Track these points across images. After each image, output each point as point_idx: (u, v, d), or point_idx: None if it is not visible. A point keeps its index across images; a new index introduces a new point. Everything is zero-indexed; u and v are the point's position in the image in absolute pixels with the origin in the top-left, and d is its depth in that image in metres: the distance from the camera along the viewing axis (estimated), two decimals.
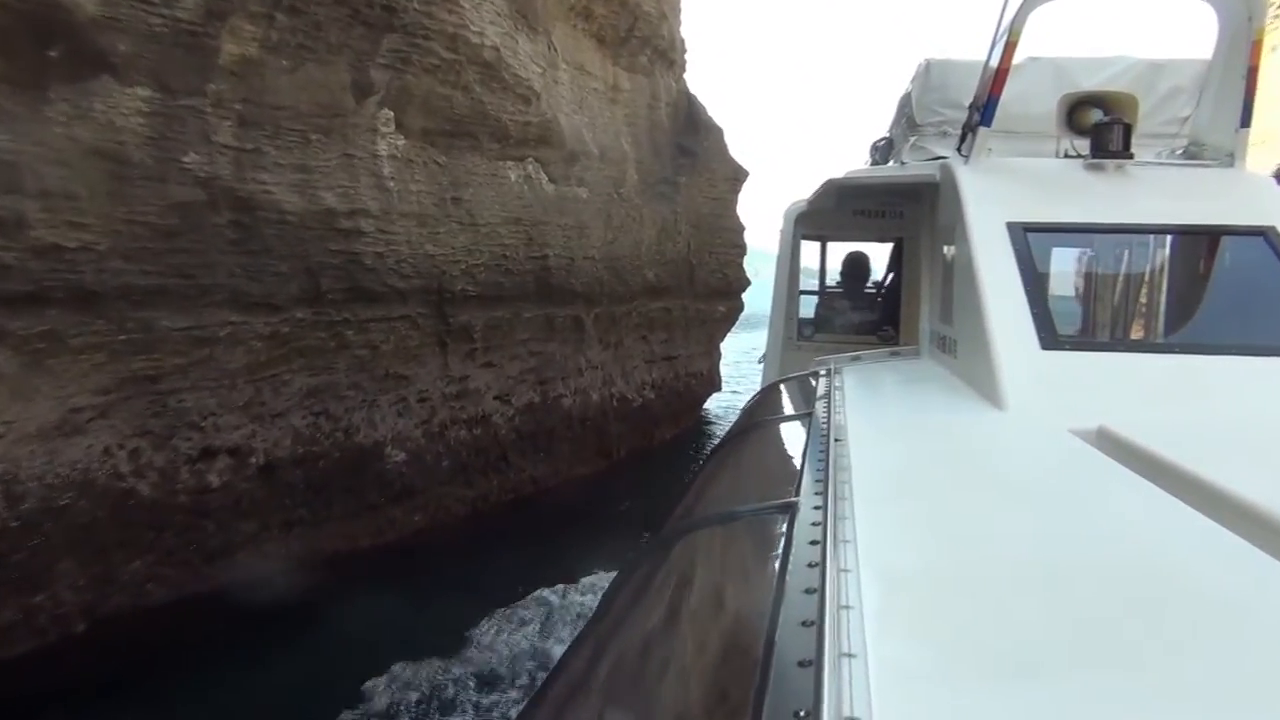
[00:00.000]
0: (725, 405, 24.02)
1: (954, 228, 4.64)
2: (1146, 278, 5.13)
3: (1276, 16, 25.69)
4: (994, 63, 4.71)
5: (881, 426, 3.63)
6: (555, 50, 15.95)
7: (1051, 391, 3.54)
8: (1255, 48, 4.58)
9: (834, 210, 7.40)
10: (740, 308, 23.63)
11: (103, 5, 8.57)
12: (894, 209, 7.25)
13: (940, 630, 1.56)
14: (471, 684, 9.35)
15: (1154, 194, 4.54)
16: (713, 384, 23.26)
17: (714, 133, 21.86)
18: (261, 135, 10.34)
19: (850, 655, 1.38)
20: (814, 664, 1.36)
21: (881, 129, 8.00)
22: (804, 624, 1.50)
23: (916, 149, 6.63)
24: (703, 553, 2.50)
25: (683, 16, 22.32)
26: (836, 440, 2.92)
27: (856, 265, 8.55)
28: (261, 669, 9.02)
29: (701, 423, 22.75)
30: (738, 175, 22.21)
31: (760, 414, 4.91)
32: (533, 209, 14.75)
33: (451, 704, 9.01)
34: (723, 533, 2.53)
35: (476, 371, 14.01)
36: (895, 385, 4.91)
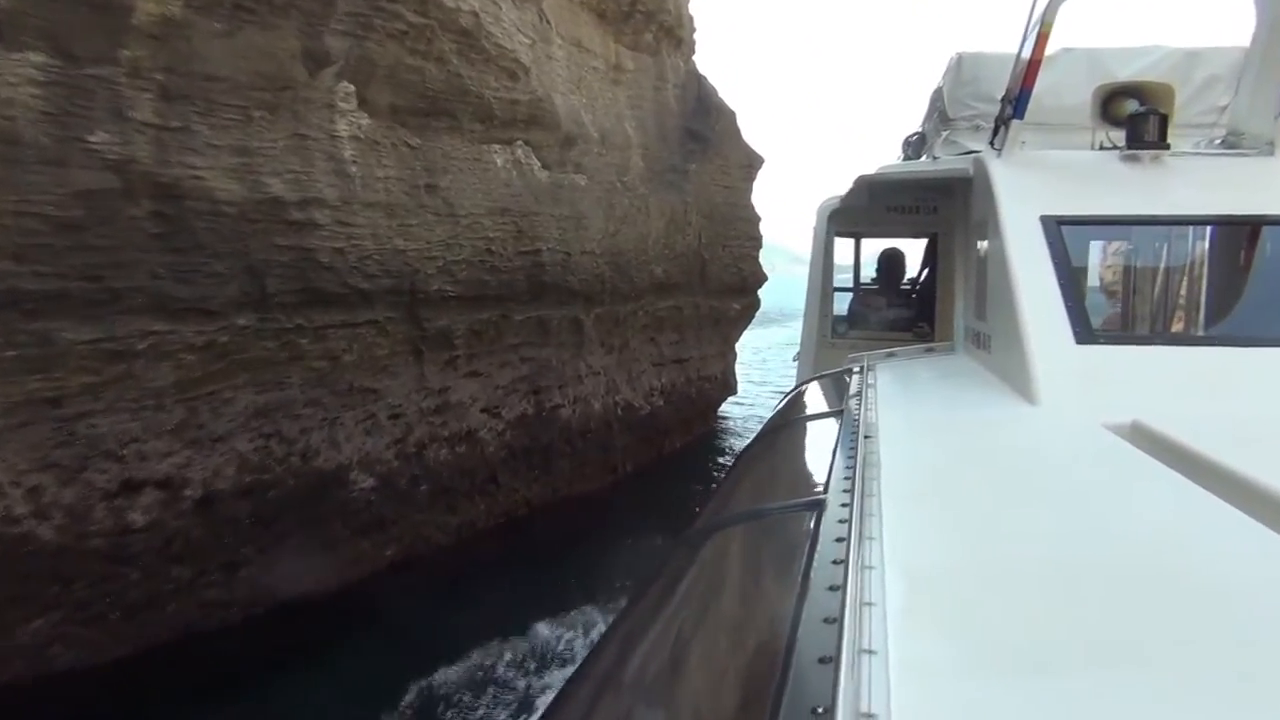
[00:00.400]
0: (742, 410, 22.37)
1: (987, 222, 4.59)
2: (1184, 270, 5.01)
3: None
4: (1026, 54, 4.64)
5: (913, 423, 3.61)
6: (548, 23, 14.32)
7: (1086, 386, 3.51)
8: None
9: (867, 207, 7.32)
10: (756, 305, 21.95)
11: None
12: (928, 204, 7.11)
13: (962, 627, 1.57)
14: None
15: (1191, 184, 4.48)
16: (728, 387, 21.61)
17: (726, 116, 20.19)
18: (191, 111, 8.75)
19: (870, 651, 1.40)
20: (833, 660, 1.38)
21: (914, 124, 8.03)
22: (826, 621, 1.52)
23: (949, 143, 6.60)
24: (730, 550, 2.55)
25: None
26: (867, 437, 2.94)
27: (891, 262, 8.50)
28: None
29: (716, 430, 21.12)
30: (752, 162, 20.52)
31: (792, 412, 4.88)
32: (522, 198, 13.11)
33: None
34: (751, 530, 2.58)
35: (459, 382, 12.41)
36: (929, 382, 4.84)
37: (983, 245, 4.87)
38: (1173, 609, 1.59)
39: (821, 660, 1.38)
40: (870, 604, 1.54)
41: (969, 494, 2.47)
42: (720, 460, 18.16)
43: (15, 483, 7.72)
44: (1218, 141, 5.07)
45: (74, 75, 7.85)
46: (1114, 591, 1.66)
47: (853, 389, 4.23)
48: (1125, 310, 5.48)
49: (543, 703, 8.46)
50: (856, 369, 4.92)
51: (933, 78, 7.35)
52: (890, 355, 5.57)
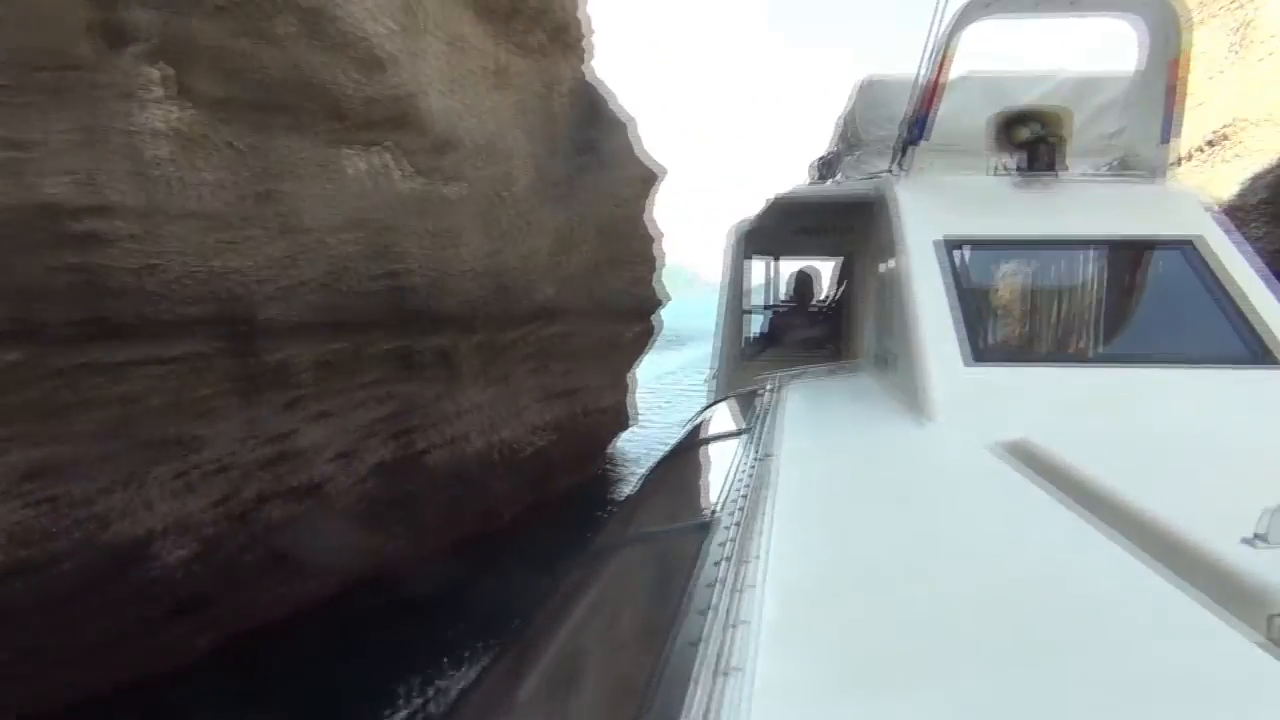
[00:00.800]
0: (640, 443, 20.82)
1: (890, 243, 4.69)
2: (1077, 291, 5.09)
3: (1201, 23, 24.16)
4: (926, 80, 4.79)
5: (813, 442, 3.65)
6: (421, 13, 12.57)
7: (977, 405, 3.58)
8: (1174, 66, 4.69)
9: (780, 227, 7.35)
10: (654, 330, 20.44)
11: None
12: (839, 225, 7.07)
13: (831, 645, 1.60)
14: None
15: (1083, 207, 4.69)
16: (623, 420, 20.02)
17: (620, 127, 18.68)
18: None
19: (732, 672, 1.44)
20: (694, 681, 1.42)
21: (822, 147, 8.11)
22: (692, 643, 1.57)
23: (858, 166, 6.70)
24: (621, 573, 2.58)
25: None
26: (766, 457, 3.02)
27: (804, 282, 8.65)
28: None
29: (611, 467, 19.50)
30: (649, 176, 19.04)
31: (699, 432, 4.96)
32: (384, 210, 11.30)
33: None
34: (643, 552, 2.66)
35: (304, 426, 10.51)
36: (833, 401, 4.89)
37: (886, 265, 4.95)
38: (1035, 626, 1.63)
39: (683, 682, 1.42)
40: (740, 624, 1.59)
41: (855, 512, 2.51)
42: (614, 499, 16.57)
43: None
44: (1110, 166, 5.21)
45: None
46: (980, 609, 1.70)
47: (758, 409, 4.31)
48: (1019, 330, 5.58)
49: None
50: (765, 389, 4.97)
51: (841, 101, 7.52)
52: (800, 375, 5.56)
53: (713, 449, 4.13)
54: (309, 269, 10.13)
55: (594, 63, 19.33)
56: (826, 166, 7.78)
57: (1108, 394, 3.70)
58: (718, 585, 1.78)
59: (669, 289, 20.97)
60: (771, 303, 8.93)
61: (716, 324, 8.12)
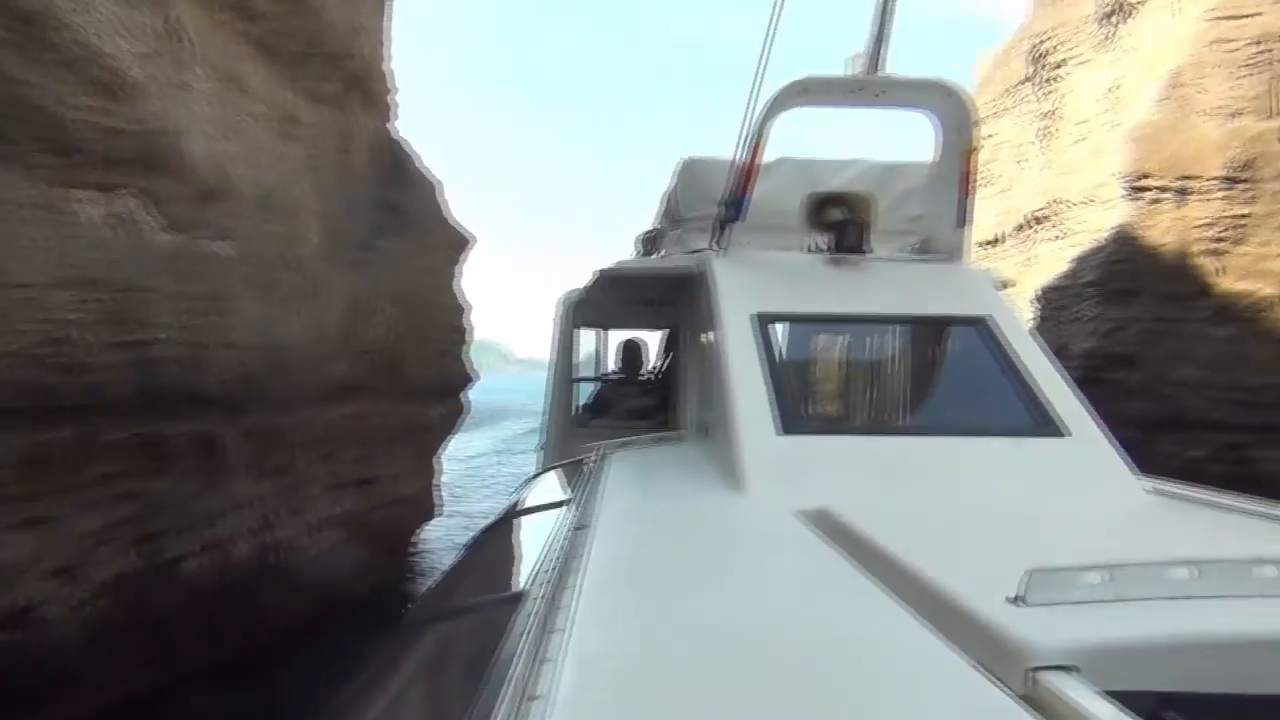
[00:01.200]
0: (445, 535, 18.86)
1: (709, 317, 4.88)
2: (882, 365, 5.32)
3: (1006, 111, 25.21)
4: (742, 162, 4.97)
5: (631, 512, 3.69)
6: (186, 42, 10.70)
7: (788, 474, 3.74)
8: (966, 157, 5.01)
9: (608, 299, 7.45)
10: (462, 409, 18.67)
11: None
12: (664, 298, 7.17)
13: (626, 718, 1.63)
14: None
15: (886, 287, 4.94)
16: (428, 509, 18.05)
17: (427, 188, 17.14)
18: None
19: None
20: None
21: (647, 222, 8.39)
22: (486, 719, 1.62)
23: (680, 241, 6.95)
24: (428, 648, 2.63)
25: (393, 50, 17.71)
26: (582, 527, 3.05)
27: (632, 352, 8.79)
28: None
29: (416, 561, 17.47)
30: (457, 242, 17.49)
31: (522, 502, 4.99)
32: (126, 267, 9.26)
33: None
34: (452, 627, 2.69)
35: (9, 536, 8.24)
36: (654, 470, 4.91)
37: (706, 339, 5.12)
38: (819, 686, 1.71)
39: None
40: (536, 698, 1.61)
41: (662, 582, 2.54)
42: (414, 600, 14.58)
43: None
44: (912, 248, 5.50)
45: None
46: (769, 677, 1.76)
47: (582, 478, 4.44)
48: (828, 402, 5.78)
49: None
50: (590, 459, 5.07)
51: (665, 178, 7.74)
52: (625, 445, 5.61)
53: (534, 519, 4.19)
54: (17, 336, 7.99)
55: (398, 123, 17.81)
56: (651, 241, 7.93)
57: (907, 462, 3.91)
58: (517, 659, 1.81)
59: (480, 365, 19.33)
60: (600, 373, 9.10)
61: (545, 394, 8.15)
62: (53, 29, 7.95)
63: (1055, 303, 17.20)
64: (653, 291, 7.21)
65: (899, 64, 4.98)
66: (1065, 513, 3.47)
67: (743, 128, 4.95)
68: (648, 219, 8.62)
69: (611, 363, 9.18)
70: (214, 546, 10.91)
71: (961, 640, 1.86)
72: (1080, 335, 15.85)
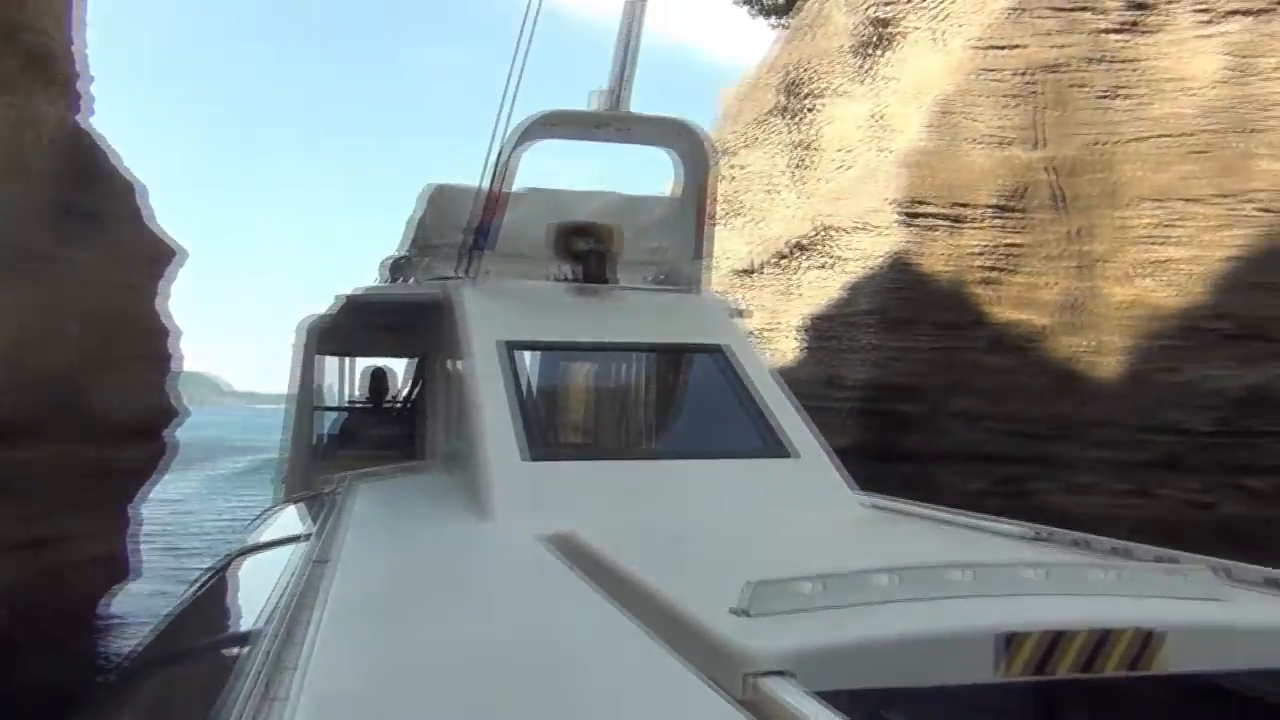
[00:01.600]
0: (146, 599, 16.06)
1: (456, 345, 4.95)
2: (626, 391, 5.57)
3: (756, 141, 25.60)
4: (489, 191, 5.10)
5: (374, 545, 3.68)
6: None
7: (534, 500, 3.85)
8: (702, 192, 5.28)
9: (354, 326, 7.21)
10: (165, 450, 15.99)
11: None
12: (412, 325, 6.96)
13: None
14: None
15: (630, 315, 5.23)
16: (119, 570, 15.28)
17: (124, 192, 14.63)
18: None
19: None
20: None
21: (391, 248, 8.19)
22: None
23: (428, 269, 6.91)
24: (145, 698, 2.57)
25: (90, 36, 15.18)
26: (321, 561, 3.00)
27: (378, 380, 8.78)
28: None
29: (101, 635, 14.68)
30: (162, 255, 15.01)
31: (255, 537, 5.04)
32: None
33: None
34: (172, 673, 2.63)
35: None
36: (401, 501, 4.92)
37: (454, 366, 5.18)
38: (556, 703, 1.77)
39: None
40: None
41: (405, 614, 2.54)
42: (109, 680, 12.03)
43: None
44: (656, 278, 5.78)
45: None
46: (504, 702, 1.81)
47: (323, 511, 4.28)
48: (574, 429, 6.08)
49: None
50: (332, 490, 4.90)
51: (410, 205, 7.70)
52: (370, 475, 5.47)
53: (269, 555, 4.06)
54: None
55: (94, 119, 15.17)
56: (398, 268, 7.73)
57: (649, 485, 4.10)
58: (247, 699, 1.72)
59: (191, 399, 16.77)
60: (345, 402, 8.94)
61: (285, 423, 7.88)
62: None
63: (826, 332, 17.05)
64: (400, 318, 7.06)
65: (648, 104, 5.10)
66: (791, 528, 3.71)
67: (489, 157, 5.03)
68: (393, 245, 8.56)
69: (357, 391, 8.98)
70: None
71: (689, 652, 1.99)
72: (856, 365, 15.69)
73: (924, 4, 17.05)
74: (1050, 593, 2.28)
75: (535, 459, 4.07)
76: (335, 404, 8.83)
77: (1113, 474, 13.78)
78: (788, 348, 19.23)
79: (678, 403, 5.33)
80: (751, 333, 21.94)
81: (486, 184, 5.15)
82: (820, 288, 17.83)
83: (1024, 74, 15.79)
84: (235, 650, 2.23)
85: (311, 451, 7.91)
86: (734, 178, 26.86)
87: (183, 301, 16.29)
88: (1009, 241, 15.06)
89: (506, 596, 2.75)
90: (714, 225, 5.48)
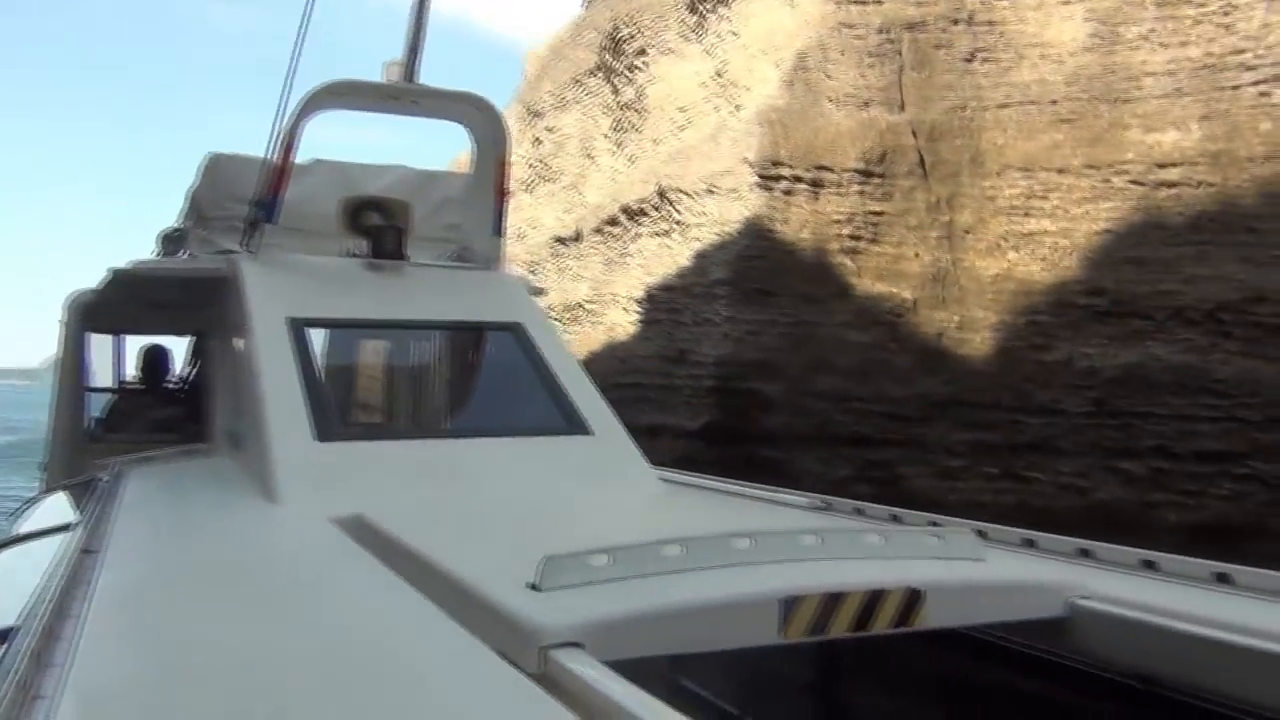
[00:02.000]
0: None
1: (240, 322, 4.79)
2: (420, 370, 5.58)
3: (575, 102, 23.88)
4: (274, 162, 4.91)
5: (150, 531, 3.60)
6: None
7: (324, 483, 3.72)
8: (499, 169, 5.26)
9: (126, 302, 6.83)
10: None
11: None
12: (191, 301, 6.49)
13: None
14: None
15: (425, 293, 5.04)
16: None
17: None
18: None
19: None
20: None
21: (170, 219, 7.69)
22: None
23: (207, 242, 6.55)
24: None
25: None
26: (90, 551, 2.93)
27: (154, 359, 8.22)
28: None
29: None
30: None
31: (16, 529, 4.86)
32: None
33: None
34: None
35: None
36: (180, 486, 4.86)
37: (237, 344, 4.98)
38: (349, 686, 1.73)
39: None
40: None
41: (181, 604, 2.43)
42: None
43: None
44: (452, 255, 5.55)
45: None
46: (289, 691, 1.74)
47: (93, 499, 4.23)
48: (367, 408, 5.96)
49: None
50: (103, 477, 4.82)
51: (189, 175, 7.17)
52: (147, 459, 5.36)
53: (30, 547, 3.97)
54: None
55: None
56: (175, 240, 7.21)
57: (445, 465, 3.99)
58: (2, 699, 1.62)
59: None
60: (119, 382, 8.50)
61: (51, 406, 7.57)
62: None
63: (670, 304, 15.43)
64: (177, 294, 6.71)
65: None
66: (588, 503, 3.83)
67: (274, 127, 4.89)
68: (172, 216, 7.82)
69: (131, 371, 8.44)
70: None
71: (484, 628, 1.97)
72: (707, 340, 14.14)
73: None
74: (827, 557, 2.40)
75: (325, 439, 3.94)
76: (107, 385, 8.19)
77: (983, 457, 13.03)
78: (621, 320, 17.57)
79: (473, 381, 5.31)
80: (580, 305, 20.47)
81: (271, 155, 4.98)
82: (660, 256, 16.23)
83: (884, 31, 14.82)
84: None
85: (81, 436, 7.45)
86: (543, 141, 25.04)
87: None
88: (871, 209, 14.05)
89: (292, 581, 2.63)
90: (510, 201, 5.47)
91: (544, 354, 4.65)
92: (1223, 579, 2.55)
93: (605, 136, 21.40)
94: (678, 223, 15.89)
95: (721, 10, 17.15)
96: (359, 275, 5.04)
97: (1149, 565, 2.72)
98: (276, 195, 4.91)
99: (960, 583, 2.41)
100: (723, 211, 14.62)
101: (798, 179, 14.11)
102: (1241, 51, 12.77)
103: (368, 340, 5.86)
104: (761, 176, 14.09)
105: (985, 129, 14.12)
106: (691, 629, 2.10)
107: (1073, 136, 13.50)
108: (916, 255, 13.93)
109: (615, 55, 20.72)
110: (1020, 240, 13.56)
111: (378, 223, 5.23)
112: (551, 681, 1.74)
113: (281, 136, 4.85)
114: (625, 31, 19.90)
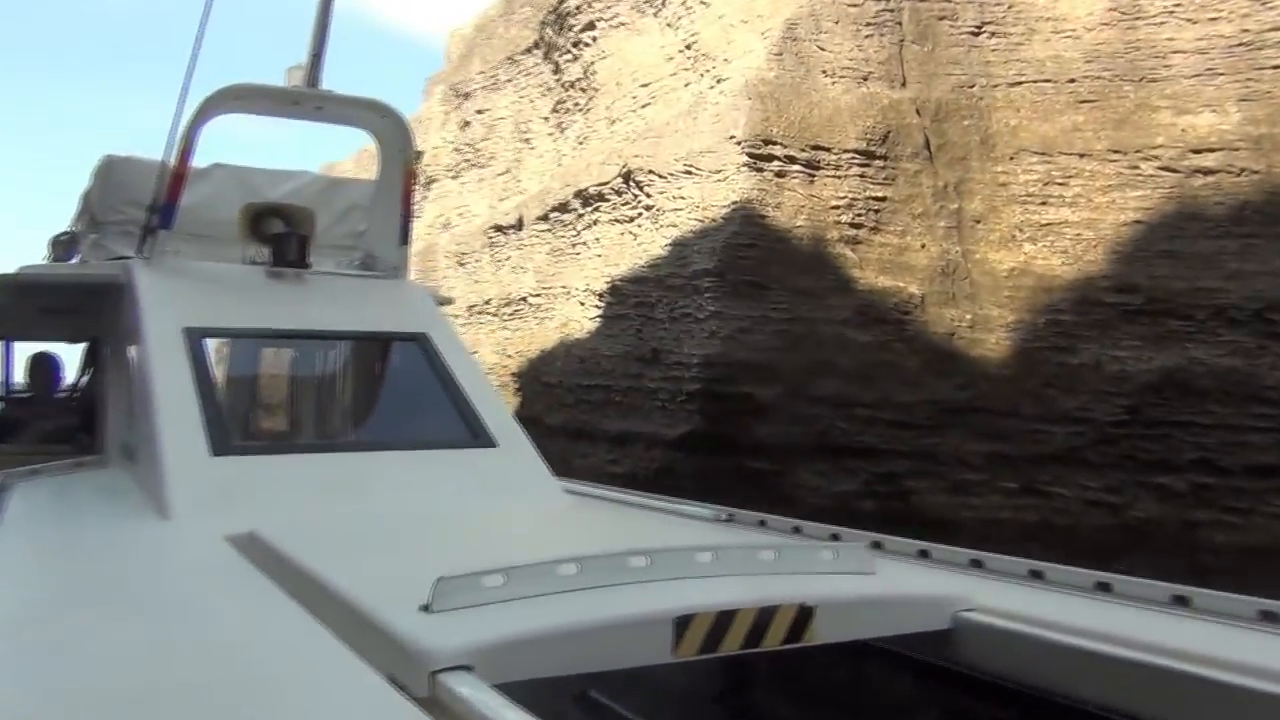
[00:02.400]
0: None
1: (133, 330, 4.69)
2: (323, 381, 5.43)
3: (485, 88, 22.08)
4: (170, 166, 4.82)
5: (33, 548, 3.49)
6: None
7: (219, 499, 3.64)
8: (406, 176, 5.24)
9: (12, 307, 6.55)
10: None
11: None
12: (83, 308, 6.34)
13: None
14: None
15: (328, 302, 4.93)
16: None
17: None
18: None
19: None
20: None
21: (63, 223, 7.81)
22: None
23: (100, 247, 6.38)
24: None
25: None
26: None
27: (43, 366, 8.15)
28: None
29: None
30: None
31: None
32: None
33: None
34: None
35: None
36: (69, 500, 4.71)
37: (131, 354, 4.88)
38: (233, 711, 1.67)
39: None
40: None
41: (62, 626, 2.33)
42: None
43: None
44: (356, 263, 5.46)
45: None
46: (171, 715, 1.70)
47: None
48: (266, 421, 5.92)
49: None
50: None
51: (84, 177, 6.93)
52: (33, 472, 5.13)
53: None
54: None
55: None
56: (67, 245, 6.94)
57: (346, 479, 3.92)
58: None
59: None
60: (6, 390, 8.51)
61: None
62: None
63: (639, 297, 13.70)
64: (69, 300, 6.33)
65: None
66: (488, 518, 3.75)
67: (172, 130, 4.74)
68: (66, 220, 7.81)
69: (19, 379, 8.49)
70: None
71: (374, 651, 1.92)
72: (693, 339, 12.49)
73: None
74: (720, 574, 2.39)
75: (220, 454, 3.81)
76: None
77: (1001, 470, 11.75)
78: (576, 315, 15.77)
79: (377, 393, 5.17)
80: (523, 299, 18.60)
81: (168, 159, 4.78)
82: (624, 244, 14.52)
83: (881, 0, 13.51)
84: None
85: None
86: (472, 124, 23.06)
87: None
88: (873, 194, 12.64)
89: (180, 601, 2.55)
90: (415, 210, 5.33)
91: (449, 365, 4.61)
92: (1103, 588, 2.62)
93: (545, 119, 19.61)
94: (647, 208, 14.23)
95: None
96: (260, 284, 4.94)
97: (1036, 575, 2.79)
98: (174, 200, 4.79)
99: (849, 597, 2.42)
100: (705, 195, 13.03)
101: (791, 159, 12.64)
102: None
103: (269, 351, 5.81)
104: (751, 156, 12.56)
105: (996, 108, 12.89)
106: (584, 649, 2.08)
107: (1094, 118, 12.35)
108: (923, 246, 12.59)
109: (559, 31, 18.95)
110: (1038, 231, 12.35)
111: (280, 230, 5.16)
112: (439, 706, 1.72)
113: (179, 140, 4.71)
114: (570, 4, 18.16)
